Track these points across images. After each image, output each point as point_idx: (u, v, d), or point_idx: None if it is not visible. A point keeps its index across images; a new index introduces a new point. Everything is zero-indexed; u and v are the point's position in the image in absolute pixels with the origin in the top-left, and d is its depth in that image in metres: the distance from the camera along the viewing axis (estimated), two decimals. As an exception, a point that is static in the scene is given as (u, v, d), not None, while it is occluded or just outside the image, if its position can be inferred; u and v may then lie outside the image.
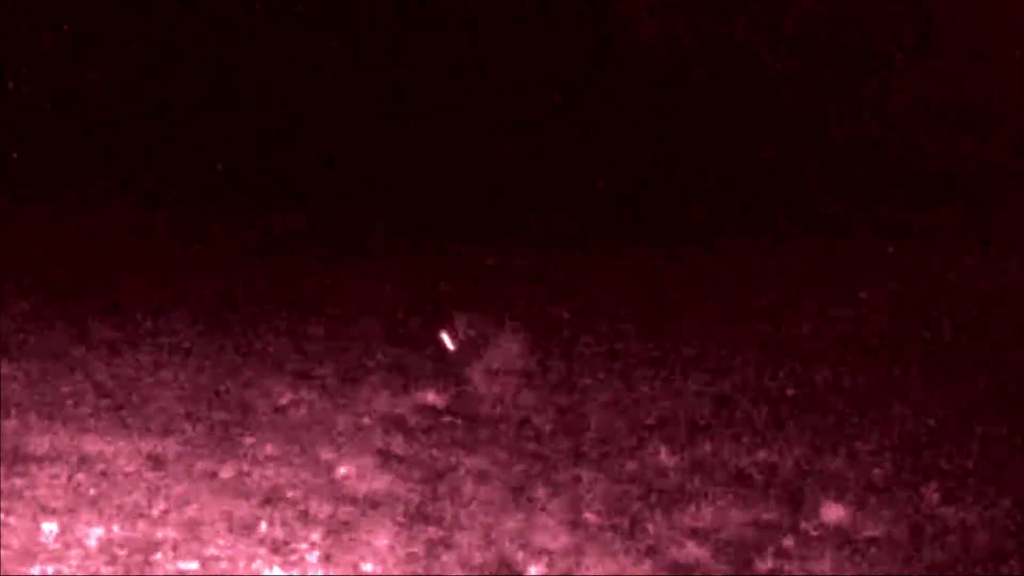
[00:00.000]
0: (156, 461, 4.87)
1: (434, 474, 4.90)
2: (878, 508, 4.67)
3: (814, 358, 6.65)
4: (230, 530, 4.30)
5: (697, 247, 9.34)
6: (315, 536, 4.29)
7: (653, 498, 4.73)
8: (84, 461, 4.82)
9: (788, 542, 4.39)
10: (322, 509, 4.51)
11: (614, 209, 10.37)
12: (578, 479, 4.88)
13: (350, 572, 4.08)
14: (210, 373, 6.08)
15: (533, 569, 4.14)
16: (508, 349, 5.94)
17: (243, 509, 4.47)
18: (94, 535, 4.20)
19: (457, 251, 9.11)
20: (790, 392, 6.08)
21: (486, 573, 4.12)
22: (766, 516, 4.59)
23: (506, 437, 5.36)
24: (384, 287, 7.99)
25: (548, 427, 5.51)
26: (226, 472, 4.81)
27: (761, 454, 5.20)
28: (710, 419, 5.66)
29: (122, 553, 4.10)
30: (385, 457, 5.05)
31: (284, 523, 4.38)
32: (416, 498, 4.66)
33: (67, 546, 4.13)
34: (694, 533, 4.44)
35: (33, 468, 4.72)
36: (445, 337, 6.10)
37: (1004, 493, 4.81)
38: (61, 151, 10.88)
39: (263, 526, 4.35)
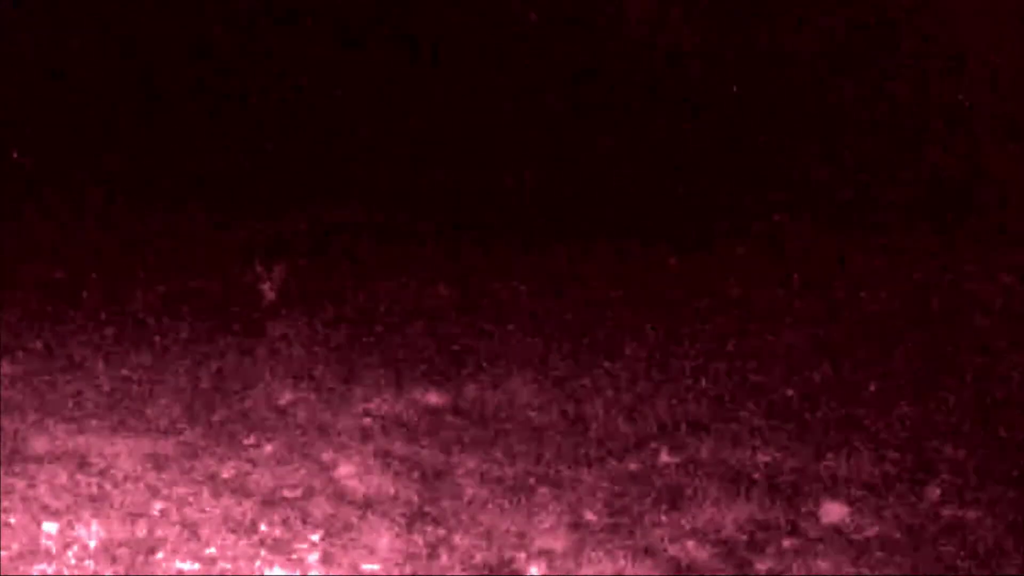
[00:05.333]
0: (156, 461, 4.87)
1: (434, 474, 4.90)
2: (878, 508, 4.67)
3: (814, 358, 6.65)
4: (230, 530, 4.31)
5: (697, 247, 9.33)
6: (315, 536, 4.30)
7: (653, 498, 4.73)
8: (84, 461, 4.83)
9: (788, 542, 4.39)
10: (322, 509, 4.51)
11: (614, 208, 10.36)
12: (578, 479, 4.88)
13: (350, 572, 4.09)
14: (210, 373, 6.08)
15: (533, 569, 4.14)
16: None
17: (243, 509, 4.48)
18: (94, 535, 4.20)
19: (456, 251, 9.10)
20: (790, 392, 6.08)
21: (486, 573, 4.12)
22: (766, 516, 4.59)
23: (506, 437, 5.36)
24: (384, 287, 7.98)
25: (548, 427, 5.51)
26: (226, 472, 4.81)
27: (761, 454, 5.20)
28: (710, 419, 5.66)
29: (122, 553, 4.10)
30: (385, 457, 5.05)
31: (284, 523, 4.38)
32: (416, 498, 4.66)
33: (67, 546, 4.13)
34: (694, 533, 4.44)
35: (33, 468, 4.73)
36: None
37: (1004, 493, 4.81)
38: (61, 151, 10.88)
39: (263, 526, 4.35)
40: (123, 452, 4.93)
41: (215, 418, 5.43)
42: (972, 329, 7.30)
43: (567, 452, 5.19)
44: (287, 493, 4.64)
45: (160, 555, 4.10)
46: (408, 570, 4.10)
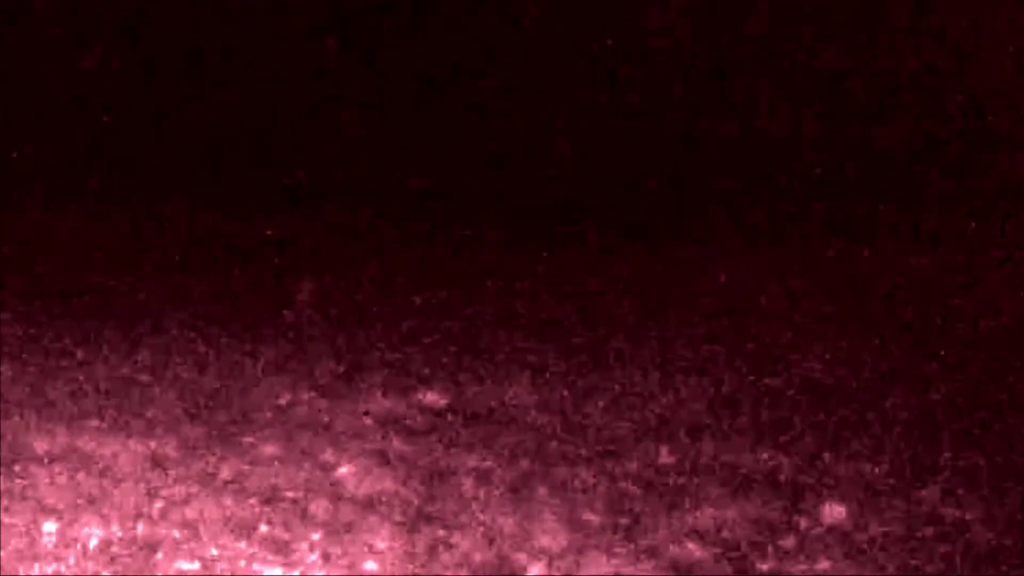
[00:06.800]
0: (156, 461, 4.87)
1: (434, 474, 4.90)
2: (878, 508, 4.67)
3: (814, 358, 6.65)
4: (230, 530, 4.31)
5: (696, 247, 9.34)
6: (315, 536, 4.30)
7: (653, 498, 4.73)
8: (84, 461, 4.82)
9: (788, 542, 4.39)
10: (322, 509, 4.51)
11: (614, 208, 10.36)
12: (578, 479, 4.88)
13: (350, 572, 4.09)
14: (210, 373, 6.08)
15: (533, 569, 4.14)
16: None
17: (243, 509, 4.47)
18: (94, 535, 4.20)
19: (456, 252, 9.11)
20: (790, 392, 6.08)
21: (486, 573, 4.12)
22: (766, 516, 4.59)
23: (506, 437, 5.36)
24: (383, 288, 7.98)
25: (548, 427, 5.51)
26: (226, 472, 4.81)
27: (761, 454, 5.20)
28: (710, 419, 5.66)
29: (122, 553, 4.10)
30: (385, 457, 5.05)
31: (284, 523, 4.38)
32: (416, 498, 4.66)
33: (67, 546, 4.13)
34: (694, 533, 4.44)
35: (33, 468, 4.72)
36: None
37: (1004, 493, 4.81)
38: (61, 151, 10.88)
39: (263, 526, 4.35)
40: (123, 452, 4.92)
41: (215, 418, 5.43)
42: (972, 329, 7.30)
43: (567, 452, 5.19)
44: (287, 493, 4.64)
45: (160, 555, 4.10)
46: (408, 570, 4.10)
